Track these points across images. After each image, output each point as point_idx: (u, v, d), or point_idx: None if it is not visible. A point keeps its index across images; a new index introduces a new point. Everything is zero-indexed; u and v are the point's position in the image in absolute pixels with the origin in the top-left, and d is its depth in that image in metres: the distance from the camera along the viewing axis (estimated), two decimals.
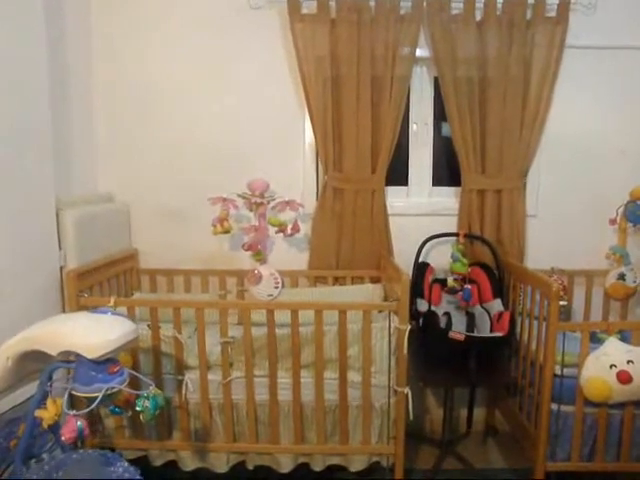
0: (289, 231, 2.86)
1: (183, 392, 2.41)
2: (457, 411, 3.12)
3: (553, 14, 2.84)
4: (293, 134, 3.03)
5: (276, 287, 2.82)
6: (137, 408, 1.85)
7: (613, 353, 2.32)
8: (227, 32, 2.94)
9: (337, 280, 3.04)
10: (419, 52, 2.88)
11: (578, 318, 3.06)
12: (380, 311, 2.54)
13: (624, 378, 2.26)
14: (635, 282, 2.88)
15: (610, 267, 2.96)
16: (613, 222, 2.93)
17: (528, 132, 2.92)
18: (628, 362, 2.28)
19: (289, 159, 3.04)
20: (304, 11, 2.79)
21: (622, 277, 2.88)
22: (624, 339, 2.38)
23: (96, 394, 1.70)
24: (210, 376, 2.44)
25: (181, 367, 2.43)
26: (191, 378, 2.42)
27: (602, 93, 3.01)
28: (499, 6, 2.79)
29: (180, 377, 2.42)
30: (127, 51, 2.97)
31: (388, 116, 2.87)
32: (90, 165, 2.99)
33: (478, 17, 2.81)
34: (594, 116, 3.03)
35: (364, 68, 2.81)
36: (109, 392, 1.72)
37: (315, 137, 2.91)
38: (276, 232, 2.85)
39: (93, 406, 1.70)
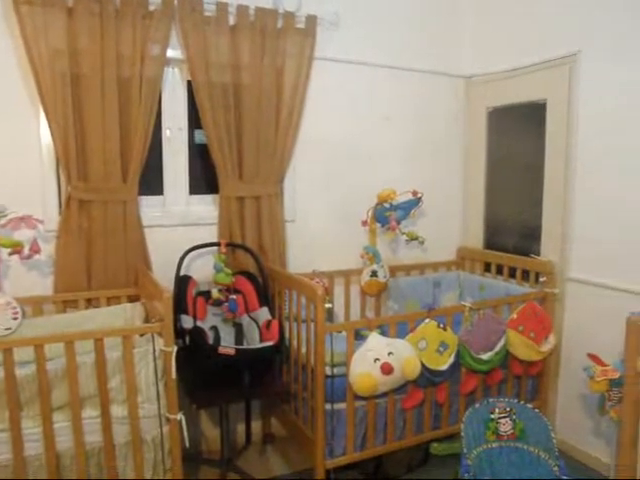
0: (26, 252, 2.44)
1: None
2: (233, 425, 3.02)
3: (302, 26, 2.94)
4: (25, 138, 2.57)
5: (15, 318, 2.37)
6: None
7: (375, 347, 2.47)
8: None
9: (90, 302, 2.68)
10: (171, 53, 2.71)
11: (339, 316, 3.22)
12: (142, 334, 2.30)
13: (387, 370, 2.42)
14: (385, 277, 3.14)
15: (364, 266, 3.17)
16: (364, 223, 3.14)
17: (282, 139, 2.97)
18: (389, 354, 2.45)
19: (22, 168, 2.57)
20: None
21: (375, 274, 3.11)
22: (383, 333, 2.56)
23: None
24: None
25: None
26: None
27: (348, 103, 3.24)
28: (252, 12, 2.78)
29: None
30: None
31: (138, 120, 2.64)
32: None
33: (232, 21, 2.76)
34: (342, 124, 3.24)
35: (109, 66, 2.54)
36: None
37: (54, 142, 2.52)
38: (9, 254, 2.40)
39: None
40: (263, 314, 2.72)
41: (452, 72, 3.53)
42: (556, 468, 2.40)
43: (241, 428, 3.01)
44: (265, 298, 2.79)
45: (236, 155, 2.88)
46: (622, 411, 2.02)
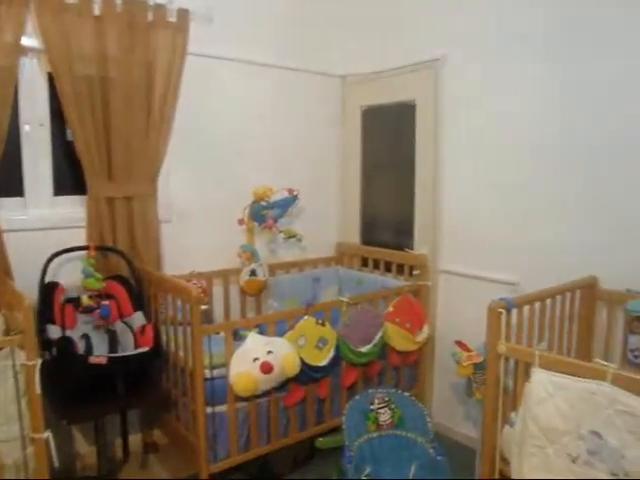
0: None
1: None
2: (113, 437, 2.86)
3: (174, 20, 2.85)
4: None
5: None
6: None
7: (254, 347, 2.45)
8: None
9: None
10: (28, 41, 2.50)
11: (219, 318, 3.16)
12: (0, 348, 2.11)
13: (266, 368, 2.41)
14: (265, 276, 3.12)
15: (242, 265, 3.12)
16: (241, 222, 3.10)
17: (155, 136, 2.86)
18: (268, 353, 2.44)
19: None
20: None
21: (254, 273, 3.08)
22: (262, 332, 2.55)
23: None
24: None
25: None
26: None
27: (225, 100, 3.19)
28: (119, 3, 2.64)
29: None
30: None
31: None
32: None
33: (97, 11, 2.61)
34: (219, 122, 3.19)
35: None
36: None
37: None
38: None
39: None
40: (138, 319, 2.61)
41: (328, 71, 3.59)
42: (432, 450, 2.52)
43: (120, 440, 2.87)
44: (139, 302, 2.67)
45: (105, 153, 2.73)
46: (485, 392, 2.15)
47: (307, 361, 2.57)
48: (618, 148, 2.42)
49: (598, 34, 2.44)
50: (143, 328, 2.53)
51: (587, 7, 2.46)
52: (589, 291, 2.52)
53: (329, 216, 3.74)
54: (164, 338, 2.65)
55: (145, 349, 2.40)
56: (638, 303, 2.28)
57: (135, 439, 2.97)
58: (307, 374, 2.60)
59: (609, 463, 1.66)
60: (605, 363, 1.73)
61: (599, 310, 2.54)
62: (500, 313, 2.07)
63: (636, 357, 2.28)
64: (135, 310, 2.64)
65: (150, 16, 2.76)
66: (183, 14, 2.87)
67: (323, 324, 2.64)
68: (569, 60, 2.54)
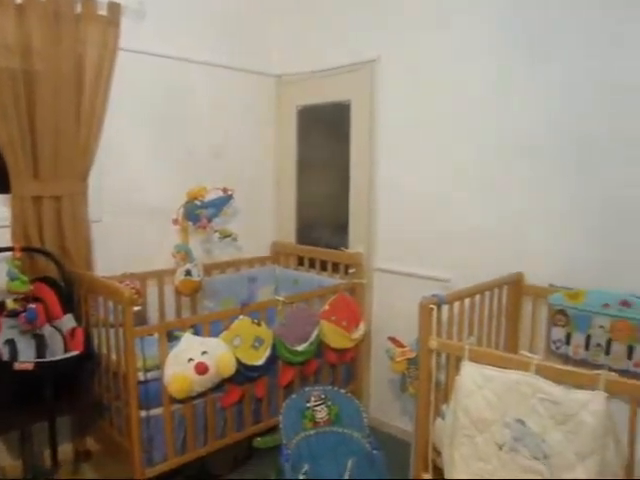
0: None
1: None
2: (40, 447, 2.74)
3: (105, 13, 2.76)
4: None
5: None
6: None
7: (189, 348, 2.42)
8: None
9: None
10: None
11: (154, 319, 3.10)
12: None
13: (201, 369, 2.39)
14: (200, 276, 3.07)
15: (177, 265, 3.06)
16: (175, 222, 3.04)
17: (85, 133, 2.77)
18: (203, 353, 2.42)
19: None
20: None
21: (189, 273, 3.02)
22: (197, 332, 2.52)
23: None
24: None
25: None
26: None
27: (159, 98, 3.14)
28: None
29: None
30: None
31: None
32: None
33: (19, 0, 2.50)
34: (152, 119, 3.12)
35: None
36: None
37: None
38: None
39: None
40: (67, 322, 2.51)
41: (263, 70, 3.59)
42: (368, 444, 2.56)
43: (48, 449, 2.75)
44: (69, 305, 2.57)
45: (30, 150, 2.61)
46: (418, 386, 2.21)
47: (243, 361, 2.55)
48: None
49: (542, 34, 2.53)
50: (73, 331, 2.44)
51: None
52: (516, 287, 2.63)
53: (265, 215, 3.74)
54: (96, 341, 2.57)
55: (75, 353, 2.32)
56: (559, 297, 2.40)
57: (66, 448, 2.86)
58: (243, 374, 2.59)
59: (530, 447, 1.75)
60: (529, 355, 1.82)
61: (525, 304, 2.66)
62: (431, 309, 2.12)
63: (558, 348, 2.41)
64: (65, 313, 2.54)
65: (78, 8, 2.67)
66: (114, 8, 2.79)
67: (259, 324, 2.64)
68: (511, 60, 2.60)
